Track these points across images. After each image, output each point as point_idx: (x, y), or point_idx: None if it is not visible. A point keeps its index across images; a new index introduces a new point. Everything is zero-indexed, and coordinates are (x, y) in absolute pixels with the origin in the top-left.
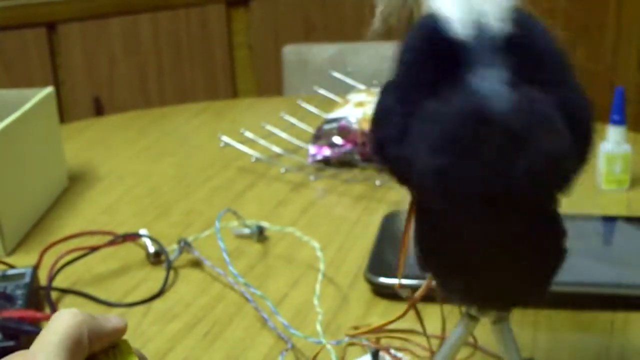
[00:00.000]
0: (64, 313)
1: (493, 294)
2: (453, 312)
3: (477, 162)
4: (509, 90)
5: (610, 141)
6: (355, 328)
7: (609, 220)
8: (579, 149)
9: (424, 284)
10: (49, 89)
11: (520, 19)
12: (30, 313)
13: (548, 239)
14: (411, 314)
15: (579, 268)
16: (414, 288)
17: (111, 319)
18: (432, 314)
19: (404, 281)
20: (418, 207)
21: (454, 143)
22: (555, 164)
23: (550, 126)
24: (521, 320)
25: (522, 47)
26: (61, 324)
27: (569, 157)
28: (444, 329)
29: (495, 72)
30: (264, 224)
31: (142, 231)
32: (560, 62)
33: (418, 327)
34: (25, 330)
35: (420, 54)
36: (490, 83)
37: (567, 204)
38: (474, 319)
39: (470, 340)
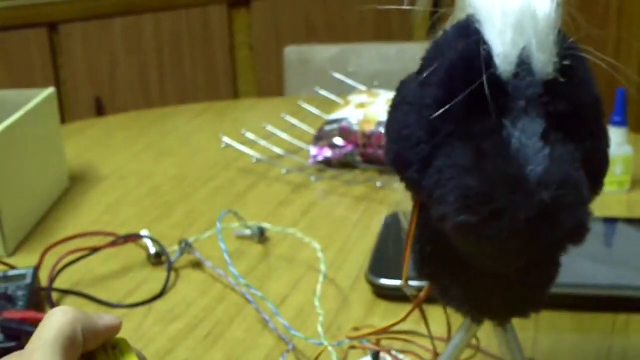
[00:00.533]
0: (57, 311)
1: (491, 305)
2: (457, 314)
3: (502, 227)
4: (543, 148)
5: (611, 143)
6: (356, 329)
7: (610, 222)
8: (593, 193)
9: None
10: (50, 90)
11: (567, 56)
12: (32, 314)
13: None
14: (413, 315)
15: (580, 270)
16: (418, 288)
17: (104, 316)
18: (435, 316)
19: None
20: (420, 213)
21: (482, 205)
22: (578, 236)
23: (578, 197)
24: (522, 321)
25: (560, 94)
26: (55, 322)
27: (589, 224)
28: (449, 330)
29: (532, 123)
30: (265, 225)
31: (144, 232)
32: (594, 111)
33: (420, 329)
34: (27, 331)
35: (458, 87)
36: (527, 137)
37: None
38: (476, 321)
39: (473, 342)
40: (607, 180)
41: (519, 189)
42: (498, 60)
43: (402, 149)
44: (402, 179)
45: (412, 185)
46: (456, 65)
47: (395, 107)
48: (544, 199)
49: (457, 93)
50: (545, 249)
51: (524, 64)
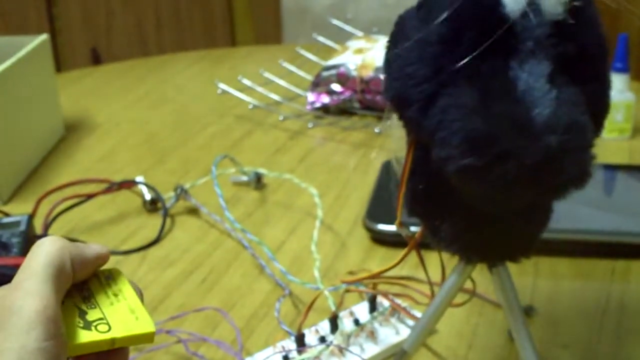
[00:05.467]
0: (44, 241)
1: (480, 245)
2: (451, 259)
3: (507, 171)
4: (550, 90)
5: (613, 89)
6: (352, 273)
7: (611, 168)
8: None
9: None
10: (43, 36)
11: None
12: None
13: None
14: (410, 261)
15: (580, 216)
16: (413, 231)
17: (92, 246)
18: (430, 262)
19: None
20: (414, 152)
21: (488, 148)
22: (581, 181)
23: (583, 141)
24: (521, 267)
25: (568, 35)
26: (43, 252)
27: (591, 172)
28: (443, 273)
29: (539, 65)
30: (262, 170)
31: (139, 178)
32: (599, 53)
33: (416, 274)
34: None
35: (464, 24)
36: (534, 79)
37: None
38: (470, 264)
39: (470, 286)
40: (608, 127)
41: (525, 132)
42: (508, 1)
43: (403, 87)
44: (402, 118)
45: (412, 125)
46: (465, 8)
47: (395, 43)
48: (550, 143)
49: (464, 31)
50: (548, 194)
51: (533, 3)
